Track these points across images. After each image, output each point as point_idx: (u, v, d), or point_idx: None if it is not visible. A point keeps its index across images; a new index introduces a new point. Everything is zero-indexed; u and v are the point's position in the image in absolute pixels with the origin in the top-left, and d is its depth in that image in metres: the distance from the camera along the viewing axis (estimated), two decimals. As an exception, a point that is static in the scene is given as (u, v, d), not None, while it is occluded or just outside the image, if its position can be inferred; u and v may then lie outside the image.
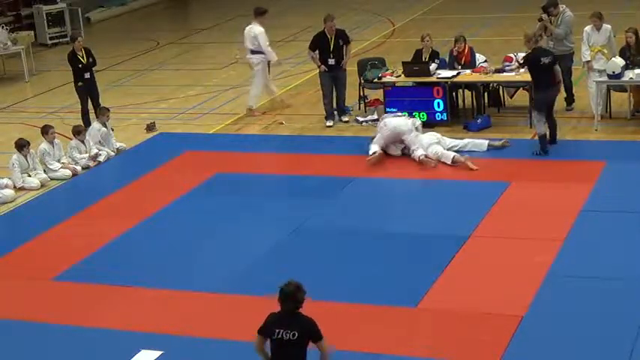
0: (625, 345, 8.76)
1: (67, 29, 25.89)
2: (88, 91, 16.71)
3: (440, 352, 9.00)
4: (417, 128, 14.39)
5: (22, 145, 14.64)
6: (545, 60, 13.80)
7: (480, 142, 14.41)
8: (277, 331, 7.32)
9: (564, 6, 15.73)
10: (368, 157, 14.03)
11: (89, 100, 16.74)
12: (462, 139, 14.53)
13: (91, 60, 16.72)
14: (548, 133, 14.03)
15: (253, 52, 17.26)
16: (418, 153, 13.98)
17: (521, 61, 14.13)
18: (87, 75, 16.66)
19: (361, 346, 9.02)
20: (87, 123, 16.48)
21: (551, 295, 9.83)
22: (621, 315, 9.32)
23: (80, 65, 16.63)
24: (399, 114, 14.72)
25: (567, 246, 10.93)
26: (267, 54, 17.24)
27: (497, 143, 14.36)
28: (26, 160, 14.60)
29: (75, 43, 16.86)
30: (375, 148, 14.15)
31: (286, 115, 17.07)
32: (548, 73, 13.90)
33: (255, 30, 17.22)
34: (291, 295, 7.30)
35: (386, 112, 15.29)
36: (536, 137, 14.19)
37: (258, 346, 7.51)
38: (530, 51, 14.05)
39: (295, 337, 7.29)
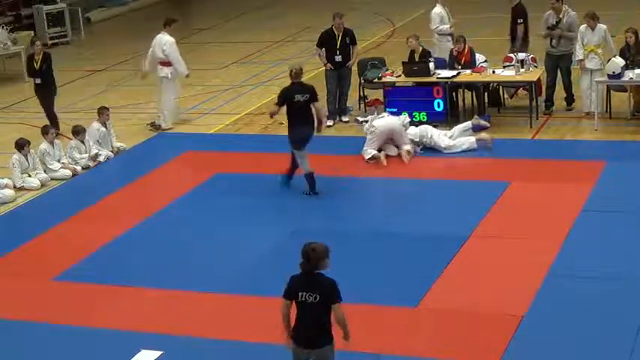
0: (625, 345, 8.77)
1: (67, 29, 25.90)
2: (40, 94, 16.64)
3: (440, 352, 9.00)
4: (404, 125, 14.48)
5: (22, 145, 14.63)
6: (300, 97, 12.81)
7: (464, 129, 14.52)
8: (301, 294, 7.46)
9: (567, 6, 15.78)
10: (368, 162, 14.11)
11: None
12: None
13: (44, 67, 16.57)
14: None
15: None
16: (406, 147, 14.13)
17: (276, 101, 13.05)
18: (37, 80, 16.57)
19: (361, 346, 9.01)
20: (51, 117, 16.53)
21: (551, 295, 9.83)
22: (621, 315, 9.32)
23: (32, 70, 16.66)
24: (385, 114, 14.73)
25: (567, 246, 10.93)
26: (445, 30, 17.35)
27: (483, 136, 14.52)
28: (26, 159, 14.60)
29: (34, 46, 16.88)
30: (372, 152, 14.18)
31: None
32: (305, 110, 12.87)
33: (435, 11, 17.36)
34: (305, 256, 7.46)
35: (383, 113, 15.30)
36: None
37: (284, 312, 7.58)
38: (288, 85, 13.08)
39: (317, 300, 7.42)
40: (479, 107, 16.00)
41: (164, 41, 16.72)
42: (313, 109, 12.90)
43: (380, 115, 14.61)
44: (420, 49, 16.15)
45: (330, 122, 16.33)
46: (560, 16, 15.67)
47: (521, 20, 16.88)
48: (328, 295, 7.43)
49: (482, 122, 14.75)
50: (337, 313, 7.47)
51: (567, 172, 13.32)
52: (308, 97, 12.83)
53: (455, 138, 14.52)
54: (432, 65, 15.86)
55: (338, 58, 16.16)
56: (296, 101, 12.81)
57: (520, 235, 11.38)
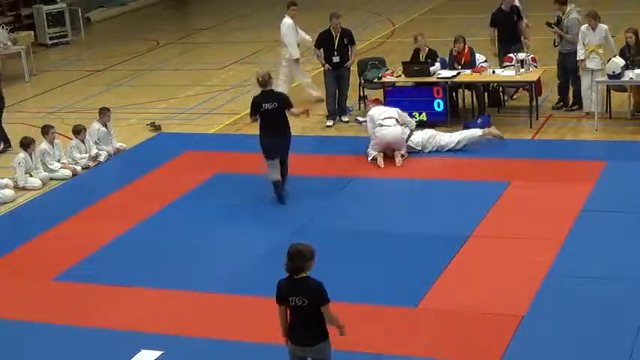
0: (625, 345, 8.77)
1: (67, 29, 25.91)
2: None
3: (440, 352, 9.01)
4: (411, 128, 14.46)
5: (27, 144, 14.64)
6: (269, 106, 12.56)
7: (472, 133, 14.50)
8: (291, 298, 7.51)
9: (573, 5, 15.82)
10: (371, 162, 14.11)
11: None
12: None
13: None
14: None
15: None
16: (401, 151, 14.19)
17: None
18: None
19: (361, 346, 9.02)
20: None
21: (551, 295, 9.83)
22: (621, 315, 9.32)
23: None
24: (388, 115, 14.52)
25: (567, 246, 10.93)
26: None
27: (488, 131, 14.55)
28: (30, 159, 14.60)
29: None
30: (372, 153, 14.17)
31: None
32: (275, 118, 12.63)
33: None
34: (290, 257, 7.45)
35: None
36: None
37: (280, 316, 7.69)
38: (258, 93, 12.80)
39: (306, 304, 7.47)
40: (479, 107, 16.00)
41: (282, 23, 17.30)
42: (288, 115, 12.72)
43: (383, 117, 14.42)
44: (427, 49, 16.16)
45: (330, 122, 16.35)
46: (562, 16, 15.73)
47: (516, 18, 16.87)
48: (316, 299, 7.46)
49: (496, 133, 14.71)
50: (327, 314, 7.52)
51: (567, 172, 13.32)
52: (277, 106, 12.58)
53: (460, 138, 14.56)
54: (437, 65, 15.85)
55: (336, 59, 16.14)
56: (264, 110, 12.58)
57: (520, 235, 11.37)
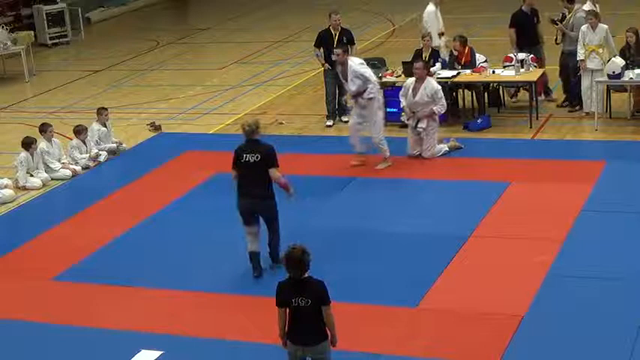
0: (625, 345, 8.77)
1: (67, 29, 25.92)
2: None
3: (440, 352, 9.01)
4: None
5: (29, 144, 14.63)
6: (250, 158, 10.50)
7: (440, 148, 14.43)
8: (294, 299, 7.51)
9: (580, 5, 15.81)
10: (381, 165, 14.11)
11: None
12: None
13: None
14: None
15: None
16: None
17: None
18: None
19: (361, 346, 9.03)
20: None
21: (551, 295, 9.83)
22: (621, 315, 9.32)
23: None
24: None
25: (567, 246, 10.93)
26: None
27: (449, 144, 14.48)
28: (32, 158, 14.60)
29: None
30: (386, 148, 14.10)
31: (286, 115, 17.08)
32: (253, 175, 10.50)
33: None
34: (298, 260, 7.44)
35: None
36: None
37: (281, 320, 7.68)
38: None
39: (309, 304, 7.48)
40: (479, 107, 16.01)
41: (425, 10, 16.86)
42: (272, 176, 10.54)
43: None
44: (430, 49, 16.15)
45: (330, 122, 16.34)
46: (569, 14, 15.74)
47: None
48: (319, 299, 7.50)
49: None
50: (327, 315, 7.54)
51: (567, 172, 13.32)
52: (258, 159, 10.50)
53: None
54: (438, 66, 15.85)
55: (334, 57, 16.10)
56: (244, 162, 10.55)
57: (520, 235, 11.37)
